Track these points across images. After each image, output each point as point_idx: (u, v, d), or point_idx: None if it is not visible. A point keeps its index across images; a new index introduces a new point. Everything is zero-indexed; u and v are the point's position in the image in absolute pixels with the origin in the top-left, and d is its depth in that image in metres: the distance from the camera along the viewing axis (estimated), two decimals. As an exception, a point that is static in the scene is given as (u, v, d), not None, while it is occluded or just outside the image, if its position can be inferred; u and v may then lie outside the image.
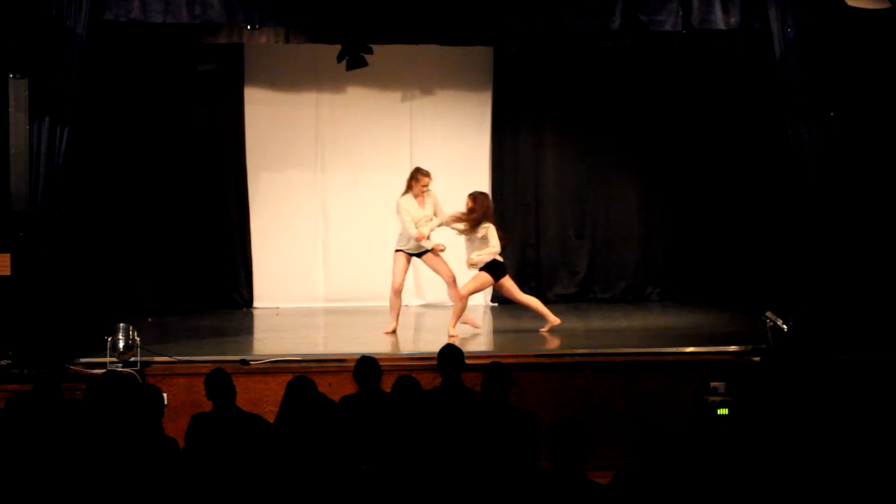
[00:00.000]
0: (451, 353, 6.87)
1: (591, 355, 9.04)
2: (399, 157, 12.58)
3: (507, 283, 10.14)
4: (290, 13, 9.24)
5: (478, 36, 10.41)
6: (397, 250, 10.31)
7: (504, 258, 10.17)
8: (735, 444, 6.05)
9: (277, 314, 12.04)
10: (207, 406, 6.42)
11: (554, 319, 10.13)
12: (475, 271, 10.03)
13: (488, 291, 12.40)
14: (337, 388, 7.70)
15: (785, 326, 8.75)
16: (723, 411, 8.09)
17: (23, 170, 8.65)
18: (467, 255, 10.00)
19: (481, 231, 9.90)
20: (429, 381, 6.95)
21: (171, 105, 12.22)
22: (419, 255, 10.31)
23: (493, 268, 9.93)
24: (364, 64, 10.51)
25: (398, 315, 10.29)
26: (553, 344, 9.72)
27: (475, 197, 10.05)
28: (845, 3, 9.01)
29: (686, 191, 12.87)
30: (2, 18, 8.61)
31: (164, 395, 6.40)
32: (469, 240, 9.98)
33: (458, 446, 5.78)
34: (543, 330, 10.16)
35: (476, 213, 9.93)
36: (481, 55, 12.51)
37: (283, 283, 12.51)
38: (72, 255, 10.17)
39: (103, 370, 7.86)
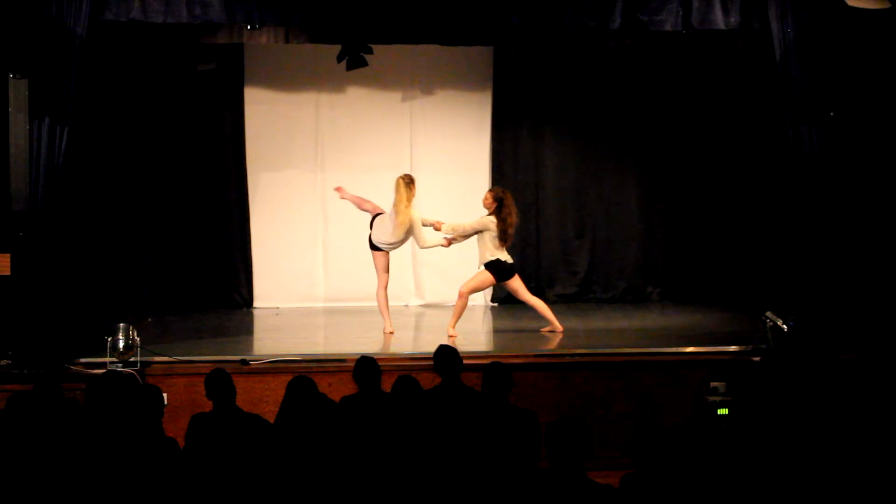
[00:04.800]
0: (446, 353, 6.87)
1: (591, 355, 9.04)
2: (399, 157, 12.58)
3: (515, 283, 10.10)
4: (290, 13, 9.25)
5: (478, 36, 10.41)
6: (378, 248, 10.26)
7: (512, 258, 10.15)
8: (735, 444, 6.05)
9: (277, 314, 12.04)
10: (207, 406, 6.42)
11: (558, 326, 10.13)
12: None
13: (488, 291, 12.40)
14: (337, 388, 7.70)
15: (785, 326, 8.75)
16: (723, 411, 8.10)
17: (23, 170, 8.65)
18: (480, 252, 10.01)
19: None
20: (429, 381, 6.95)
21: (170, 105, 12.23)
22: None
23: (495, 267, 9.91)
24: (364, 64, 10.51)
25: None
26: (553, 344, 9.72)
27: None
28: (845, 3, 9.01)
29: (686, 191, 12.87)
30: (2, 18, 8.61)
31: (164, 395, 6.40)
32: (480, 239, 9.98)
33: (458, 446, 5.78)
34: (544, 330, 10.17)
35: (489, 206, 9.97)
36: (481, 55, 12.52)
37: (283, 283, 12.52)
38: (72, 255, 10.18)
39: (103, 370, 7.86)
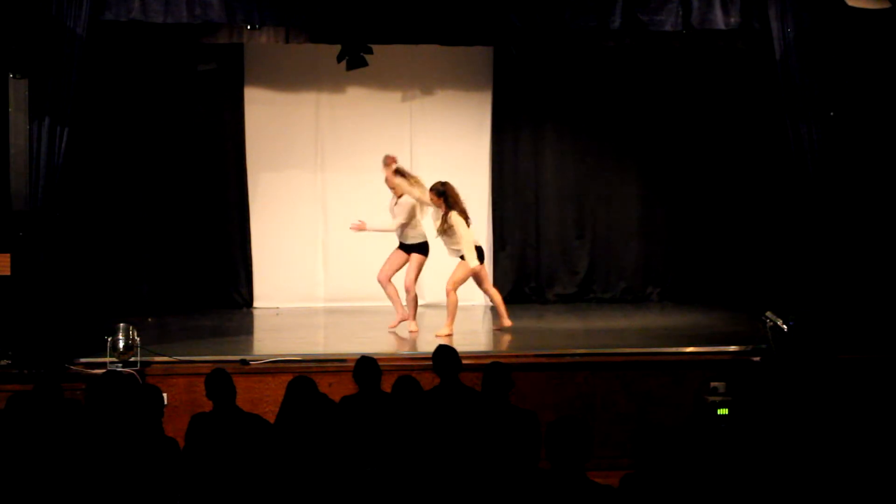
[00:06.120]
0: (444, 353, 6.88)
1: (591, 355, 9.03)
2: (399, 157, 12.50)
3: (482, 271, 10.23)
4: (290, 13, 9.25)
5: (478, 36, 10.41)
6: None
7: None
8: (735, 444, 6.05)
9: (277, 314, 12.05)
10: (207, 406, 6.41)
11: (506, 322, 10.25)
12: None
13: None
14: (337, 388, 7.70)
15: (785, 326, 8.75)
16: (723, 411, 8.10)
17: (23, 170, 8.65)
18: (447, 248, 10.10)
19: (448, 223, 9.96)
20: (429, 381, 6.95)
21: (170, 105, 12.23)
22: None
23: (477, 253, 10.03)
24: (364, 64, 10.51)
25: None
26: (553, 344, 9.72)
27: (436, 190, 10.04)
28: (845, 3, 9.01)
29: (686, 191, 12.88)
30: (2, 18, 8.61)
31: (164, 395, 6.40)
32: (450, 234, 10.04)
33: (458, 446, 5.78)
34: (496, 328, 10.32)
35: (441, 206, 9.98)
36: (481, 55, 12.52)
37: (283, 283, 12.52)
38: (72, 255, 10.17)
39: (103, 370, 7.86)
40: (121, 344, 8.39)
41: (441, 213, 9.97)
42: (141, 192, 12.19)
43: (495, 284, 11.06)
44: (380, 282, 10.36)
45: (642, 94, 12.72)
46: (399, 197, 10.30)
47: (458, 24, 9.54)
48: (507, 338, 10.27)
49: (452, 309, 10.02)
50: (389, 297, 10.40)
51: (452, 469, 5.35)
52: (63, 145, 8.74)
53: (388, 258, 10.43)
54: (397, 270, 10.40)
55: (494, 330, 10.36)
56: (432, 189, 10.03)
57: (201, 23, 9.19)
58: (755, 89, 11.46)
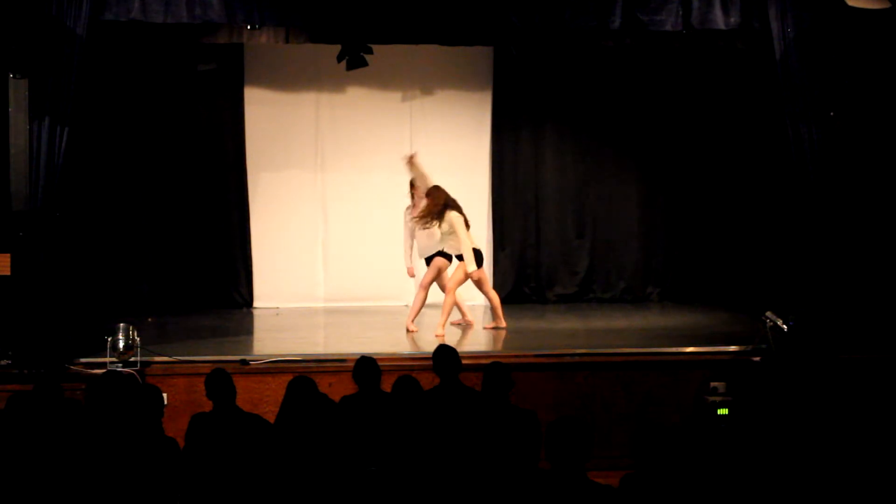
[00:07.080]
0: (445, 353, 6.88)
1: (591, 355, 9.04)
2: (399, 157, 12.56)
3: (482, 273, 10.27)
4: (290, 13, 9.25)
5: (478, 36, 10.41)
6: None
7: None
8: (735, 444, 6.05)
9: (277, 314, 12.04)
10: (207, 406, 6.42)
11: (501, 323, 10.33)
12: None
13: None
14: (337, 388, 7.71)
15: (785, 326, 8.75)
16: (723, 411, 8.11)
17: (23, 170, 8.65)
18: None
19: (445, 223, 10.01)
20: (429, 381, 6.96)
21: (170, 105, 12.23)
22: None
23: (477, 255, 10.08)
24: (364, 64, 10.52)
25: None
26: (553, 344, 9.72)
27: (429, 192, 10.15)
28: (845, 3, 9.01)
29: (686, 191, 12.88)
30: (2, 18, 8.61)
31: (164, 395, 6.40)
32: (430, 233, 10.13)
33: (458, 446, 5.78)
34: (488, 327, 10.38)
35: (437, 205, 10.02)
36: (481, 55, 12.52)
37: (283, 283, 12.52)
38: (72, 255, 10.17)
39: (103, 370, 7.86)
40: (121, 344, 8.39)
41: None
42: (141, 191, 12.19)
43: (495, 284, 11.08)
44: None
45: (642, 94, 12.72)
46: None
47: (458, 24, 9.54)
48: (507, 338, 10.28)
49: (448, 309, 10.05)
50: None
51: (453, 469, 5.35)
52: (63, 145, 8.74)
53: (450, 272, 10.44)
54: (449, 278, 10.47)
55: (486, 328, 10.36)
56: (433, 196, 10.17)
57: (201, 23, 9.19)
58: (755, 89, 11.46)
